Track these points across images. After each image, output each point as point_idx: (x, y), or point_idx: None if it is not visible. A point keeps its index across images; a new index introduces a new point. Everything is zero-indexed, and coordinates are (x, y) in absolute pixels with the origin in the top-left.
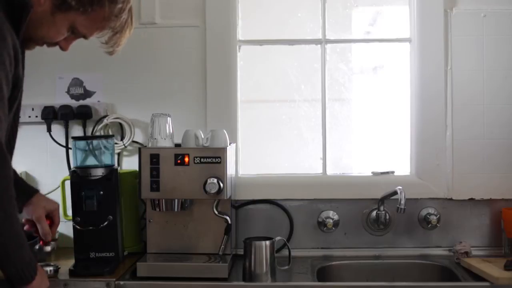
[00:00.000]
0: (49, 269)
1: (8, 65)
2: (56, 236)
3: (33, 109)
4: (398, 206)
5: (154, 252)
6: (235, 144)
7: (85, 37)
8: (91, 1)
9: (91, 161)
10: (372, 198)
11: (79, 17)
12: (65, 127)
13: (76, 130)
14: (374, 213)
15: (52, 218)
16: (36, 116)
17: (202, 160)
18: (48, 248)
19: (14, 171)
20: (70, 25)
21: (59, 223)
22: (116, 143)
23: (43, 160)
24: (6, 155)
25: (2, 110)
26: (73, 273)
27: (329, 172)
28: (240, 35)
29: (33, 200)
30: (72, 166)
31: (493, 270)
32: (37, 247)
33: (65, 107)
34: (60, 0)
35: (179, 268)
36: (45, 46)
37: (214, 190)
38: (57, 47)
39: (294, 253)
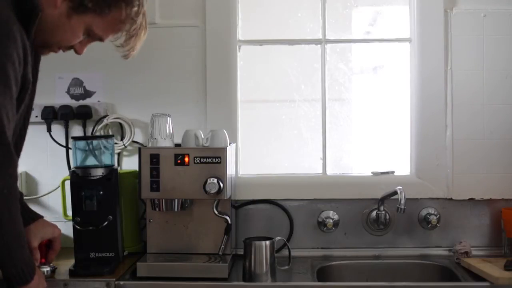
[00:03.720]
0: (45, 269)
1: (18, 66)
2: (51, 265)
3: (33, 109)
4: (398, 206)
5: (154, 252)
6: (235, 144)
7: (101, 39)
8: (108, 3)
9: (91, 161)
10: (372, 198)
11: (95, 19)
12: (65, 127)
13: (76, 130)
14: (374, 213)
15: (52, 242)
16: (36, 116)
17: (202, 160)
18: (43, 270)
19: (21, 194)
20: (86, 28)
21: (58, 249)
22: (116, 143)
23: (43, 160)
24: (14, 155)
25: (11, 109)
26: (73, 273)
27: (329, 172)
28: (240, 35)
29: (31, 227)
30: (72, 166)
31: (493, 270)
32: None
33: (65, 107)
34: (77, 2)
35: (179, 268)
36: (60, 51)
37: (214, 190)
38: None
39: (294, 253)
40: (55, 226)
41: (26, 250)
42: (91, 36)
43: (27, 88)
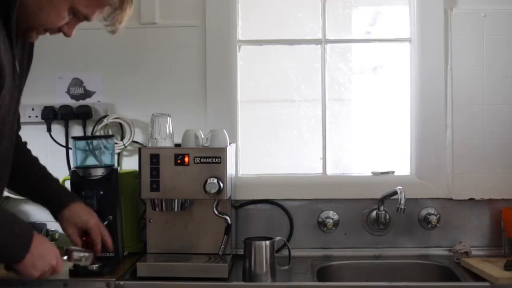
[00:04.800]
0: (82, 254)
1: None
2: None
3: (33, 109)
4: (398, 206)
5: (154, 252)
6: (235, 144)
7: (87, 18)
8: None
9: (91, 161)
10: (372, 198)
11: None
12: (65, 127)
13: (76, 130)
14: (374, 213)
15: (90, 233)
16: (36, 116)
17: (202, 160)
18: (91, 266)
19: (54, 178)
20: (70, 7)
21: (97, 241)
22: (116, 143)
23: (43, 160)
24: None
25: None
26: (73, 273)
27: (329, 172)
28: (240, 35)
29: (65, 213)
30: (72, 166)
31: (493, 270)
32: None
33: (65, 107)
34: None
35: (179, 268)
36: (47, 34)
37: (214, 190)
38: (61, 35)
39: (294, 253)
40: (91, 215)
41: (9, 230)
42: (77, 15)
43: (4, 76)
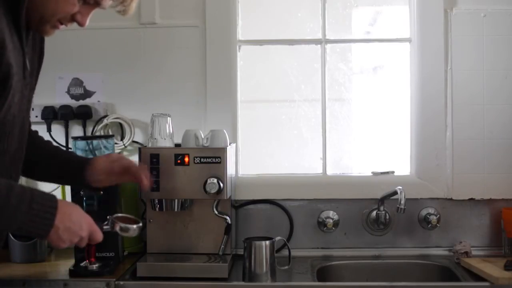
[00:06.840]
0: (129, 226)
1: None
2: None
3: (33, 109)
4: (398, 206)
5: (154, 252)
6: (235, 144)
7: (98, 3)
8: None
9: None
10: (372, 198)
11: None
12: (65, 127)
13: (76, 130)
14: (374, 213)
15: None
16: (36, 116)
17: (202, 160)
18: (91, 266)
19: (60, 149)
20: None
21: (145, 172)
22: (116, 143)
23: None
24: None
25: None
26: (73, 273)
27: (329, 172)
28: (240, 35)
29: (95, 161)
30: None
31: (493, 270)
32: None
33: (65, 107)
34: None
35: (179, 268)
36: (62, 27)
37: (214, 190)
38: (75, 25)
39: (294, 253)
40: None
41: (29, 208)
42: (87, 1)
43: (12, 74)
